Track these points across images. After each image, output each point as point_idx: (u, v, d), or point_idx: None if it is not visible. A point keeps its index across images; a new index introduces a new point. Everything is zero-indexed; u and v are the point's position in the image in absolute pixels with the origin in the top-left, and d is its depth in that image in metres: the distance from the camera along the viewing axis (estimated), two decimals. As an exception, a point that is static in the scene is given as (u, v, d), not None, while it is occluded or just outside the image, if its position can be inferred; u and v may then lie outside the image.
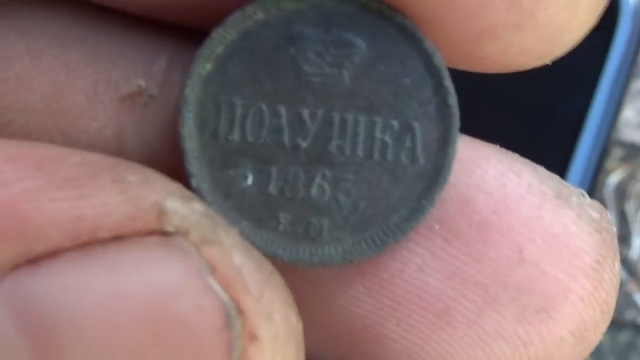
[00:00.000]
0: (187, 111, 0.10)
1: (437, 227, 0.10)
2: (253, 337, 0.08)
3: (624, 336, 0.32)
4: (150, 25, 0.11)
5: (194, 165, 0.10)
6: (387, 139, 0.10)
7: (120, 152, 0.10)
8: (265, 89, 0.10)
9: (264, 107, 0.10)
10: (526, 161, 0.11)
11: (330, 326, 0.11)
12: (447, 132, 0.10)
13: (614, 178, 0.33)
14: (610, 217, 0.11)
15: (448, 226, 0.10)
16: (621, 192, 0.33)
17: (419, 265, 0.10)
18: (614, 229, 0.11)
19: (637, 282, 0.32)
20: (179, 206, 0.09)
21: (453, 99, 0.10)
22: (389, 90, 0.10)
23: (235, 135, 0.10)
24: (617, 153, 0.33)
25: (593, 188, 0.31)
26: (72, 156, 0.09)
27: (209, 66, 0.10)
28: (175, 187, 0.09)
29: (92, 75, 0.10)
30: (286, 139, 0.10)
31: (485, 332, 0.10)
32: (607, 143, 0.27)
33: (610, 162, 0.33)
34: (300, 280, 0.10)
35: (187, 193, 0.09)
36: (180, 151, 0.10)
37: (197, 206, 0.09)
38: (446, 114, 0.10)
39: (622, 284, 0.32)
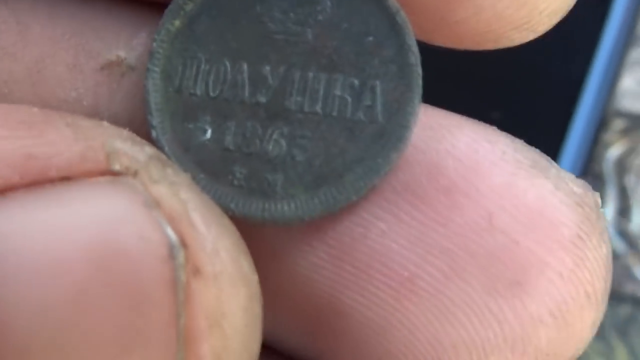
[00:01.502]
0: (153, 65, 0.10)
1: (402, 191, 0.10)
2: (196, 271, 0.08)
3: (624, 310, 0.32)
4: (136, 2, 0.11)
5: (156, 117, 0.10)
6: (347, 96, 0.10)
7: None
8: (230, 46, 0.10)
9: (227, 63, 0.10)
10: (503, 133, 0.10)
11: (295, 299, 0.10)
12: (408, 92, 0.10)
13: (614, 151, 0.33)
14: (598, 200, 0.11)
15: (414, 191, 0.10)
16: (621, 165, 0.33)
17: (383, 230, 0.10)
18: (603, 211, 0.10)
19: (638, 255, 0.32)
20: (128, 147, 0.09)
21: (415, 58, 0.10)
22: (351, 48, 0.10)
23: (198, 90, 0.10)
24: (617, 125, 0.33)
25: (591, 158, 0.31)
26: (32, 108, 0.09)
27: (177, 22, 0.10)
28: (128, 132, 0.09)
29: (75, 47, 0.11)
30: (246, 94, 0.10)
31: (453, 304, 0.10)
32: (605, 112, 0.27)
33: (609, 135, 0.33)
34: (264, 251, 0.10)
35: (139, 138, 0.09)
36: (144, 104, 0.10)
37: (148, 149, 0.09)
38: (408, 73, 0.10)
39: (621, 257, 0.32)
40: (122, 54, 0.11)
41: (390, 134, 0.10)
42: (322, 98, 0.10)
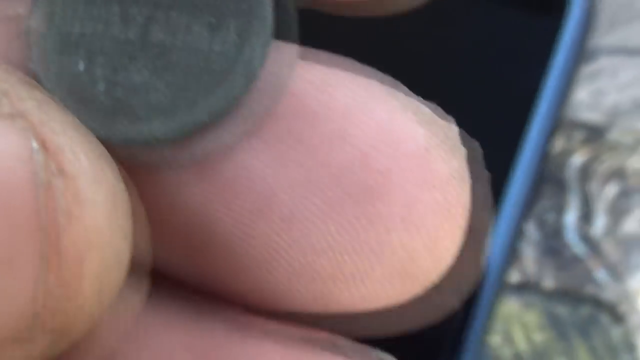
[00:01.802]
0: (36, 6, 0.11)
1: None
2: (57, 172, 0.09)
3: (585, 310, 0.33)
4: None
5: (35, 52, 0.11)
6: (205, 33, 0.11)
7: None
8: None
9: (101, 4, 0.11)
10: (359, 65, 0.12)
11: (165, 218, 0.11)
12: (258, 27, 0.11)
13: (577, 159, 0.34)
14: (451, 123, 0.12)
15: (273, 114, 0.11)
16: (585, 172, 0.34)
17: (246, 149, 0.11)
18: (455, 131, 0.12)
19: (599, 259, 0.33)
20: (1, 73, 0.10)
21: None
22: None
23: (75, 29, 0.11)
24: (578, 135, 0.34)
25: (554, 166, 0.32)
26: None
27: None
28: (17, 75, 0.10)
29: None
30: (116, 32, 0.11)
31: (311, 213, 0.11)
32: (560, 123, 0.28)
33: (571, 144, 0.34)
34: (144, 181, 0.11)
35: (28, 79, 0.10)
36: (24, 39, 0.11)
37: (19, 73, 0.10)
38: (258, 12, 0.11)
39: (583, 261, 0.33)
40: (22, 11, 0.11)
41: (242, 63, 0.11)
42: (183, 34, 0.11)
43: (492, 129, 0.28)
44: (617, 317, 0.33)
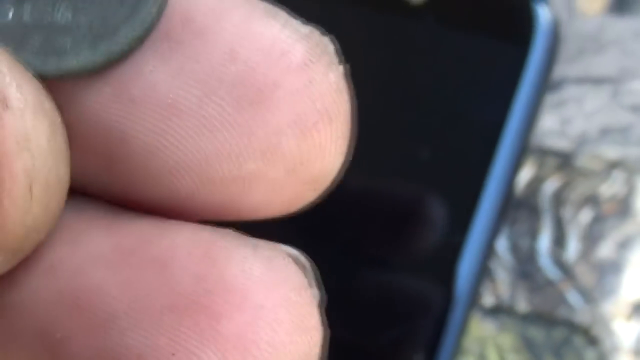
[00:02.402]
0: None
1: (163, 38, 0.13)
2: (5, 105, 0.11)
3: (559, 333, 0.33)
4: None
5: None
6: None
7: None
8: None
9: None
10: None
11: (91, 137, 0.13)
12: None
13: (550, 185, 0.34)
14: (329, 43, 0.13)
15: (172, 36, 0.13)
16: (557, 198, 0.34)
17: (151, 69, 0.13)
18: (333, 49, 0.13)
19: (572, 282, 0.34)
20: None
21: None
22: None
23: None
24: (549, 162, 0.34)
25: (528, 192, 0.33)
26: None
27: None
28: None
29: None
30: None
31: (208, 121, 0.12)
32: (528, 150, 0.29)
33: (544, 170, 0.34)
34: (61, 101, 0.13)
35: None
36: None
37: None
38: None
39: (555, 284, 0.34)
40: None
41: None
42: None
43: (460, 156, 0.29)
44: (591, 339, 0.33)
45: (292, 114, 0.12)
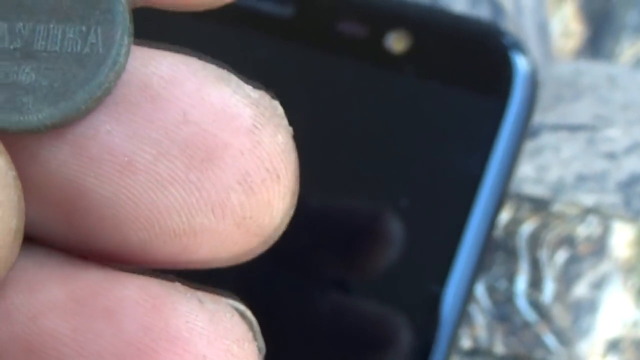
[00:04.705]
0: None
1: (120, 102, 0.14)
2: None
3: None
4: None
5: None
6: (78, 38, 0.14)
7: None
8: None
9: None
10: (197, 60, 0.14)
11: (50, 192, 0.14)
12: (119, 31, 0.14)
13: (527, 227, 0.35)
14: (277, 105, 0.14)
15: (129, 101, 0.14)
16: (534, 240, 0.35)
17: (108, 130, 0.14)
18: (281, 112, 0.14)
19: (548, 324, 0.34)
20: None
21: (122, 6, 0.14)
22: (79, 5, 0.14)
23: None
24: (526, 206, 0.35)
25: (505, 235, 0.34)
26: None
27: None
28: None
29: None
30: (6, 43, 0.14)
31: (162, 178, 0.13)
32: (503, 198, 0.29)
33: (521, 213, 0.35)
34: (23, 157, 0.14)
35: None
36: None
37: None
38: (118, 18, 0.14)
39: (532, 326, 0.34)
40: None
41: (108, 61, 0.14)
42: (60, 41, 0.14)
43: (439, 207, 0.30)
44: (567, 380, 0.33)
45: (240, 172, 0.13)
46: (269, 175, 0.13)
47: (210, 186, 0.13)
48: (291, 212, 0.14)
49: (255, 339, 0.14)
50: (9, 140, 0.13)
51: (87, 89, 0.14)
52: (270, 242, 0.14)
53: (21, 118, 0.13)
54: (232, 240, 0.14)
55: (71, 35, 0.14)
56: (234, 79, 0.14)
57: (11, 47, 0.14)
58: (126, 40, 0.14)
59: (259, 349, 0.14)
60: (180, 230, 0.14)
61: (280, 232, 0.14)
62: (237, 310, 0.14)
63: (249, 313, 0.14)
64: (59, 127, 0.14)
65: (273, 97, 0.14)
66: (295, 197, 0.14)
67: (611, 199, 0.34)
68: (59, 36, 0.14)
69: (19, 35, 0.14)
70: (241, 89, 0.14)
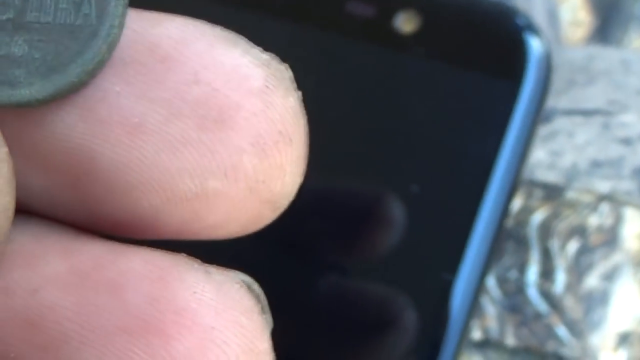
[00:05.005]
0: None
1: (129, 63, 0.13)
2: None
3: None
4: None
5: None
6: (70, 9, 0.13)
7: None
8: None
9: None
10: (207, 24, 0.14)
11: (55, 158, 0.13)
12: (112, 2, 0.13)
13: (538, 216, 0.34)
14: (286, 68, 0.14)
15: (138, 61, 0.13)
16: (545, 229, 0.34)
17: (117, 91, 0.13)
18: (290, 75, 0.14)
19: (560, 315, 0.34)
20: None
21: None
22: None
23: None
24: (537, 193, 0.34)
25: (516, 224, 0.33)
26: None
27: None
28: None
29: None
30: None
31: (174, 139, 0.13)
32: (519, 182, 0.28)
33: (532, 202, 0.34)
34: (27, 124, 0.14)
35: None
36: None
37: None
38: None
39: (543, 317, 0.33)
40: None
41: (102, 32, 0.13)
42: (53, 12, 0.13)
43: (452, 190, 0.29)
44: (579, 373, 0.33)
45: (253, 134, 0.13)
46: (281, 138, 0.13)
47: (223, 148, 0.13)
48: (301, 180, 0.14)
49: (263, 312, 0.13)
50: (2, 114, 0.13)
51: (80, 62, 0.13)
52: (279, 211, 0.14)
53: (12, 92, 0.13)
54: (244, 207, 0.13)
55: (64, 6, 0.13)
56: (243, 41, 0.14)
57: (4, 17, 0.13)
58: (120, 10, 0.13)
59: (267, 323, 0.13)
60: (192, 194, 0.13)
61: (289, 199, 0.14)
62: (244, 282, 0.13)
63: (256, 286, 0.14)
64: (51, 100, 0.13)
65: (281, 62, 0.14)
66: (305, 164, 0.14)
67: (626, 185, 0.33)
68: (52, 7, 0.13)
69: (12, 5, 0.13)
70: (251, 51, 0.13)
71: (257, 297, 0.13)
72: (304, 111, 0.14)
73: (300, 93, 0.14)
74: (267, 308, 0.14)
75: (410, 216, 0.29)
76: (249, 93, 0.13)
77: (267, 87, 0.13)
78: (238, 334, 0.13)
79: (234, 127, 0.13)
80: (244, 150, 0.13)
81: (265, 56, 0.13)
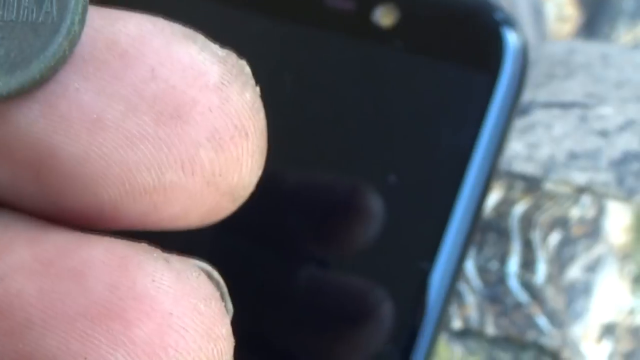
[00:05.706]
0: None
1: (88, 59, 0.14)
2: None
3: (528, 356, 0.33)
4: None
5: None
6: (33, 7, 0.14)
7: None
8: None
9: None
10: (164, 20, 0.14)
11: (18, 151, 0.14)
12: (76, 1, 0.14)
13: (519, 208, 0.34)
14: (244, 63, 0.14)
15: (97, 58, 0.14)
16: (527, 221, 0.34)
17: (77, 87, 0.14)
18: (248, 70, 0.14)
19: (540, 305, 0.34)
20: None
21: None
22: None
23: None
24: (519, 185, 0.35)
25: (497, 215, 0.33)
26: None
27: None
28: None
29: None
30: None
31: (131, 134, 0.14)
32: (492, 175, 0.29)
33: (513, 193, 0.34)
34: None
35: None
36: None
37: None
38: None
39: (524, 307, 0.34)
40: None
41: (63, 29, 0.14)
42: (16, 9, 0.14)
43: (429, 181, 0.29)
44: (560, 362, 0.33)
45: (209, 129, 0.13)
46: (237, 132, 0.14)
47: (179, 142, 0.13)
48: (260, 172, 0.14)
49: (223, 299, 0.14)
50: None
51: (42, 58, 0.14)
52: (239, 202, 0.14)
53: None
54: (202, 199, 0.14)
55: (26, 4, 0.14)
56: (200, 38, 0.14)
57: None
58: (80, 8, 0.14)
59: (227, 310, 0.14)
60: (150, 187, 0.14)
61: (249, 191, 0.14)
62: (203, 270, 0.14)
63: (216, 274, 0.14)
64: (15, 96, 0.14)
65: (240, 57, 0.14)
66: (264, 157, 0.14)
67: (603, 177, 0.34)
68: (15, 4, 0.14)
69: None
70: (208, 47, 0.14)
71: (216, 284, 0.14)
72: (262, 105, 0.14)
73: (258, 88, 0.14)
74: (227, 295, 0.14)
75: (388, 207, 0.29)
76: (205, 89, 0.13)
77: (222, 83, 0.14)
78: (196, 320, 0.13)
79: (190, 122, 0.13)
80: (200, 144, 0.13)
81: (222, 52, 0.14)
